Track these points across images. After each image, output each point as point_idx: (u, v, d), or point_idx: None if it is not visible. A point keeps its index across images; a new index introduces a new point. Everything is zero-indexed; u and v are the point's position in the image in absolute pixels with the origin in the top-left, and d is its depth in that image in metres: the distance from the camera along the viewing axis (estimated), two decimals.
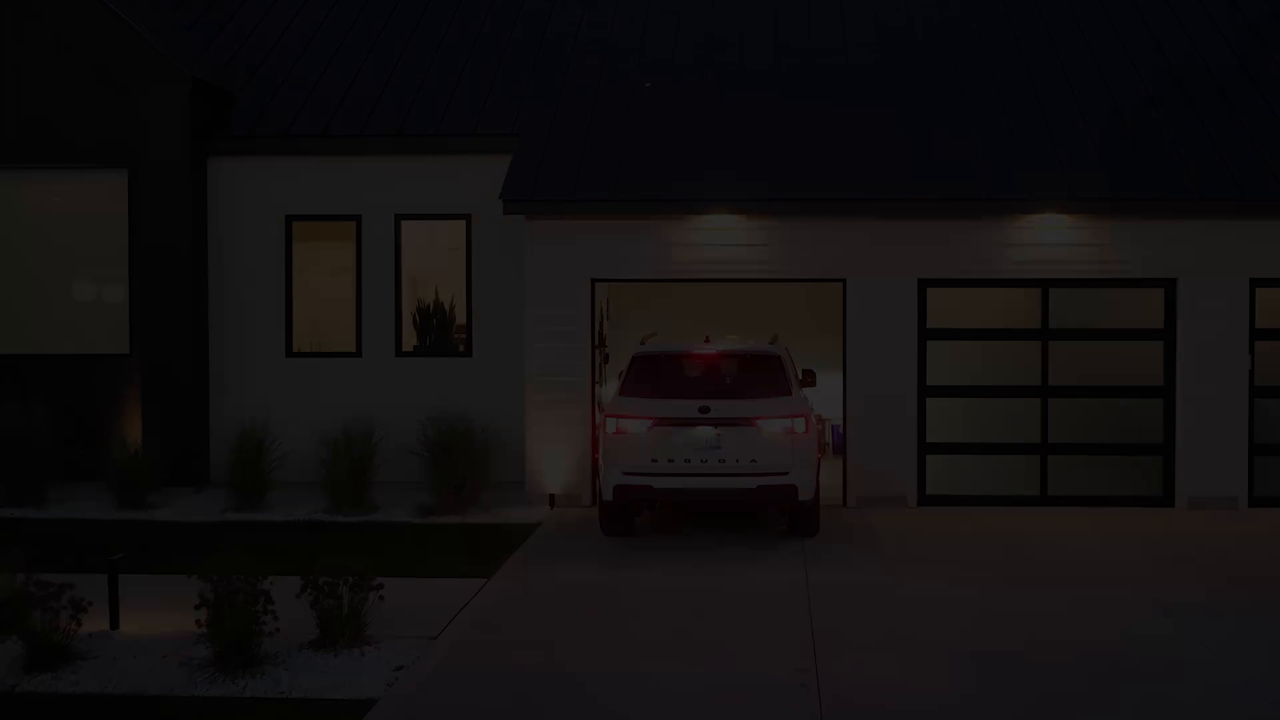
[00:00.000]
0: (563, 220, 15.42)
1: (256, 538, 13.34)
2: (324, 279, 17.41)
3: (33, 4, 16.62)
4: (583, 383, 15.40)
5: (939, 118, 16.53)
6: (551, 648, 9.58)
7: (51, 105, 16.67)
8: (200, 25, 19.10)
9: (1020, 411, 15.51)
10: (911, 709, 8.25)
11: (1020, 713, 8.17)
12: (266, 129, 16.86)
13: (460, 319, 16.99)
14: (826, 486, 14.45)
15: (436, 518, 14.64)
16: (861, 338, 15.32)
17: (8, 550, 9.76)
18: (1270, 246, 15.17)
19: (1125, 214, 15.14)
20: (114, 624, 9.86)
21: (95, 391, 16.56)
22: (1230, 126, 16.23)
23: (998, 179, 15.43)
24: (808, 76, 17.46)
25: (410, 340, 16.96)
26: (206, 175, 16.77)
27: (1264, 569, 12.20)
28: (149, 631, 9.82)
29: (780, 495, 12.97)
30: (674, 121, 16.65)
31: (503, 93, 17.40)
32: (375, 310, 16.80)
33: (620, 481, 13.01)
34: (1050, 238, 15.21)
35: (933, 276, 15.32)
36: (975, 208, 15.21)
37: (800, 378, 14.43)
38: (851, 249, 15.34)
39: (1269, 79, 17.23)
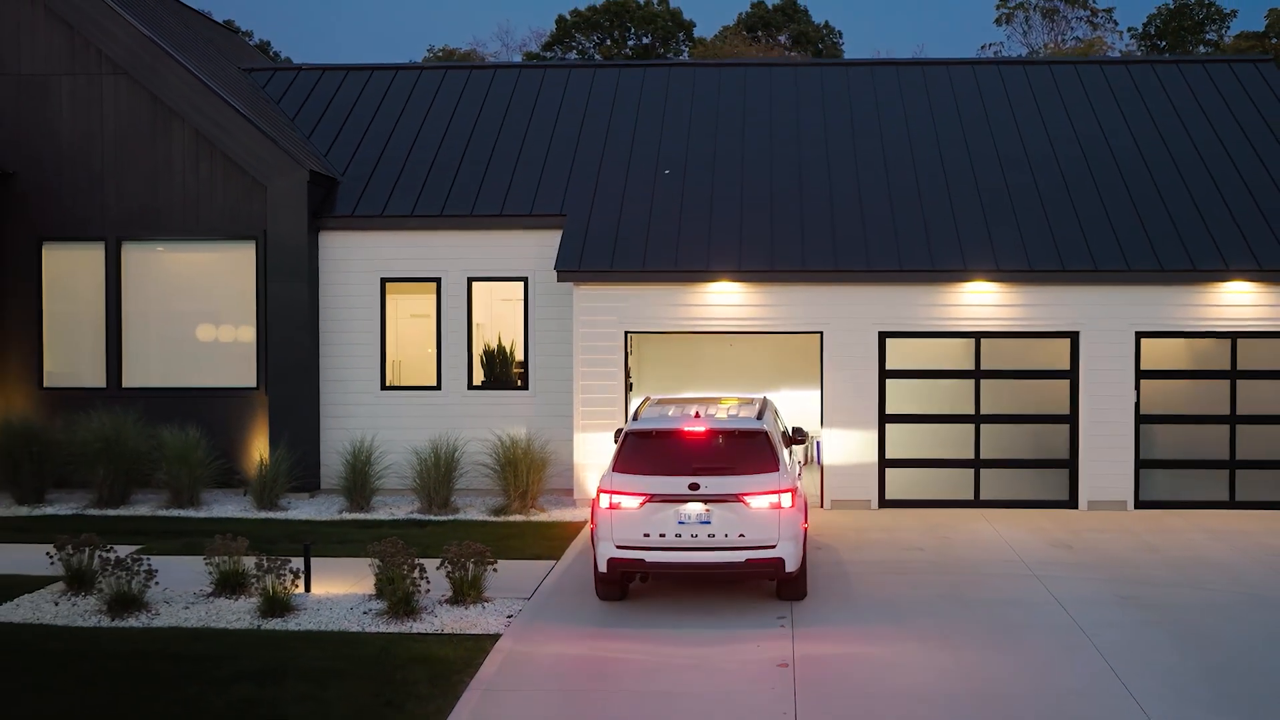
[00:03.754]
0: (603, 286, 19.78)
1: (374, 532, 17.59)
2: (411, 327, 21.81)
3: (181, 109, 21.02)
4: (618, 412, 19.76)
5: (897, 210, 20.86)
6: (612, 599, 13.97)
7: (196, 190, 21.10)
8: (302, 116, 23.51)
9: (959, 434, 19.84)
10: (863, 614, 12.66)
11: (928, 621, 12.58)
12: (366, 209, 21.23)
13: (519, 358, 21.32)
14: (807, 491, 18.53)
15: (506, 516, 18.96)
16: (835, 377, 19.64)
17: (236, 538, 14.19)
18: (1151, 307, 19.45)
19: (1039, 281, 19.45)
20: (307, 588, 14.24)
21: (231, 417, 20.95)
22: (1125, 209, 20.53)
23: (941, 255, 19.71)
24: (799, 165, 21.84)
25: (479, 376, 21.30)
26: (319, 245, 21.17)
27: (1116, 547, 16.55)
28: (331, 593, 14.22)
29: (768, 568, 13.35)
30: (687, 202, 20.98)
31: (551, 179, 21.75)
32: (452, 352, 21.14)
33: (614, 555, 13.41)
34: (981, 299, 19.54)
35: (891, 329, 19.64)
36: (924, 276, 19.51)
37: (791, 434, 15.96)
38: (827, 309, 19.65)
39: (1161, 164, 21.56)
